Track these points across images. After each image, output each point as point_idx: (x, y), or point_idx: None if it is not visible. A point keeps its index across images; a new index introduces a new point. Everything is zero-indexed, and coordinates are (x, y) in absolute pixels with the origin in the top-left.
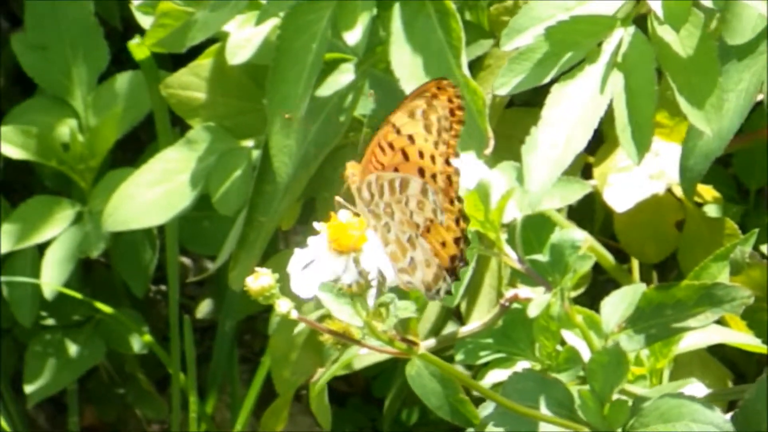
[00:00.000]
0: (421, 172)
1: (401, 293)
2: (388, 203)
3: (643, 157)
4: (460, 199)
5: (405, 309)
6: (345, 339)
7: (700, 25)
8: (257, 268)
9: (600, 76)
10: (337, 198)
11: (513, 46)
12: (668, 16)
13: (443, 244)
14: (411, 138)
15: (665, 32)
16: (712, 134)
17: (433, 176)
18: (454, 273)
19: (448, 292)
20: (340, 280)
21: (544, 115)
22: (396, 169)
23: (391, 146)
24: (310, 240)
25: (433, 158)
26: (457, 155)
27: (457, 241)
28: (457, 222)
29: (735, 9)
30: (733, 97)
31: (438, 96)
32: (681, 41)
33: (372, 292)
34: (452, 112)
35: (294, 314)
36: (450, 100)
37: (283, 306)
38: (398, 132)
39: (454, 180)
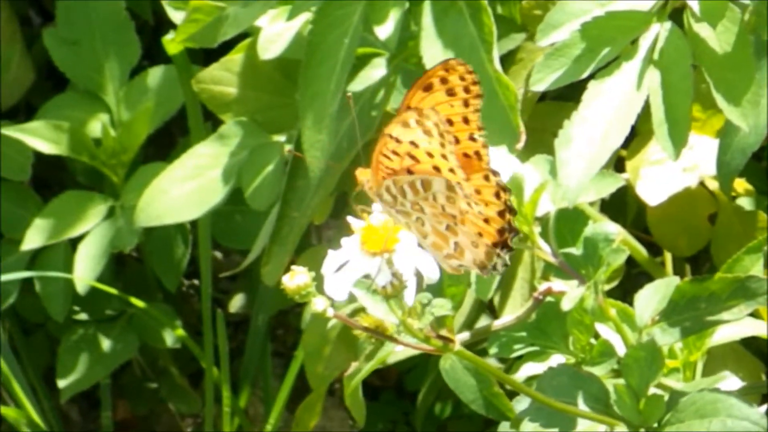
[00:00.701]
0: (436, 169)
1: (437, 291)
2: (415, 202)
3: (680, 153)
4: (495, 173)
5: (441, 307)
6: (380, 336)
7: (737, 21)
8: (293, 267)
9: (636, 72)
10: (359, 207)
11: (549, 41)
12: (705, 12)
13: (486, 221)
14: (413, 143)
15: (701, 28)
16: (749, 130)
17: (452, 171)
18: (505, 245)
19: (505, 265)
20: (373, 281)
21: (580, 111)
22: (409, 171)
23: (395, 153)
24: (343, 240)
25: (444, 156)
26: (481, 129)
27: (501, 213)
28: (497, 195)
29: None
30: None
31: (447, 79)
32: (717, 37)
33: (409, 292)
34: (467, 90)
35: (330, 312)
36: (462, 78)
37: (319, 304)
38: (398, 141)
39: (484, 154)
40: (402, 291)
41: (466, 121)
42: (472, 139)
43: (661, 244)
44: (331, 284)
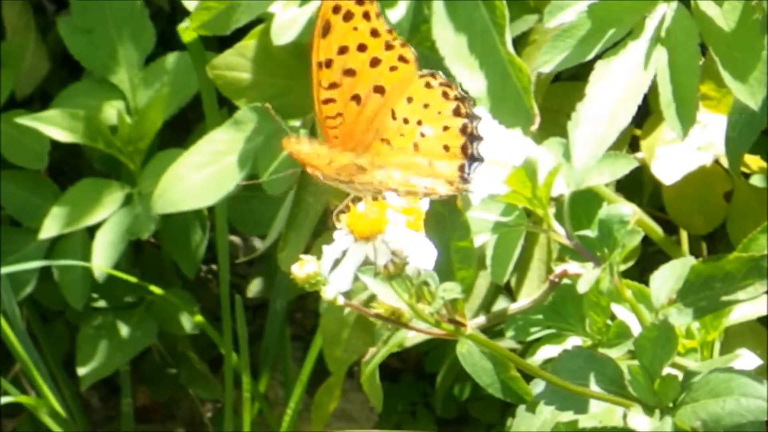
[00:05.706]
0: (375, 61)
1: (445, 275)
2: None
3: (687, 133)
4: (433, 75)
5: (450, 290)
6: (392, 322)
7: None
8: (302, 256)
9: (643, 51)
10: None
11: (556, 23)
12: None
13: (445, 128)
14: (342, 49)
15: (708, 7)
16: (757, 107)
17: (389, 46)
18: (473, 136)
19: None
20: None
21: (587, 92)
22: (356, 98)
23: (333, 85)
24: (336, 234)
25: (375, 32)
26: (391, 31)
27: (456, 112)
28: (445, 95)
29: None
30: None
31: (339, 6)
32: (724, 15)
33: (411, 266)
34: (360, 1)
35: (341, 300)
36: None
37: (329, 292)
38: (328, 65)
39: (407, 54)
40: (403, 267)
41: (374, 33)
42: (389, 47)
43: (677, 223)
44: (333, 277)
